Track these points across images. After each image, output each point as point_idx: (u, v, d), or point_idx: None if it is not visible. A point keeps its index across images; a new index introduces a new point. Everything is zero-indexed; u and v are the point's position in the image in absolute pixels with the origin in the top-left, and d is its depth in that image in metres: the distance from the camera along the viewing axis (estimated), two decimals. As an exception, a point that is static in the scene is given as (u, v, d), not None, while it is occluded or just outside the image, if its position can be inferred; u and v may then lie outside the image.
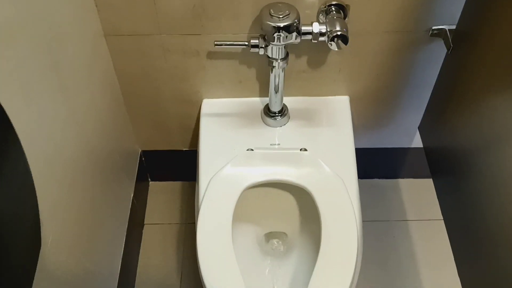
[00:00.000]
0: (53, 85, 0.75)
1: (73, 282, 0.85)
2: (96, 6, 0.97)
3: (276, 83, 1.05)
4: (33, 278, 0.45)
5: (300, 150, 1.08)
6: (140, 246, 1.35)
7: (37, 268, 0.67)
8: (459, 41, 0.97)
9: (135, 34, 1.03)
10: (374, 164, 1.43)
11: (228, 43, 0.99)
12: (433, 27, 1.02)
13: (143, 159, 1.38)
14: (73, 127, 0.85)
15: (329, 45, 0.94)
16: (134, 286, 1.28)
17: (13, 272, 0.39)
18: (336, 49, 0.94)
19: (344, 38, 0.93)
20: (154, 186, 1.48)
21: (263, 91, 1.17)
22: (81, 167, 0.90)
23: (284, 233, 1.18)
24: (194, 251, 0.94)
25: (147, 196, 1.45)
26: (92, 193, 0.97)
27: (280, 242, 1.17)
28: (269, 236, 1.17)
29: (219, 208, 0.99)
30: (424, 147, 1.20)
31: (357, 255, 0.94)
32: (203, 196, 1.00)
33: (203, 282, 0.91)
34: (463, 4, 0.95)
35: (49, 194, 0.73)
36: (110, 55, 1.07)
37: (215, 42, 0.99)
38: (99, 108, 1.02)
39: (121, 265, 1.16)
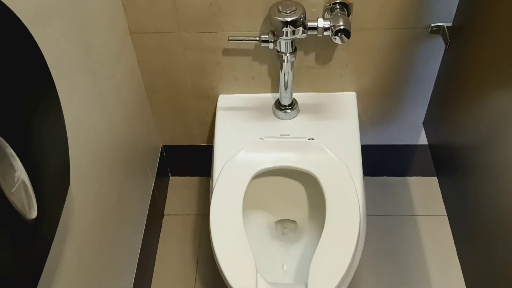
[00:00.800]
0: (83, 67, 0.85)
1: (93, 254, 0.93)
2: (123, 5, 1.08)
3: (286, 77, 1.14)
4: (61, 212, 0.54)
5: (308, 139, 1.15)
6: (159, 234, 1.44)
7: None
8: (456, 36, 1.04)
9: (158, 32, 1.13)
10: (383, 161, 1.49)
11: (240, 38, 1.08)
12: (432, 24, 1.10)
13: (164, 153, 1.48)
14: (101, 109, 0.95)
15: (333, 39, 1.02)
16: (153, 269, 1.37)
17: (44, 194, 0.48)
18: (340, 43, 1.03)
19: (346, 32, 1.01)
20: (174, 181, 1.57)
21: (275, 87, 1.26)
22: (107, 148, 1.00)
23: (294, 221, 1.24)
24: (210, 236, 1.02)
25: (167, 189, 1.54)
26: (117, 175, 1.07)
27: (290, 229, 1.24)
28: (280, 223, 1.24)
29: (232, 189, 1.07)
30: (429, 144, 1.26)
31: (358, 234, 1.00)
32: (217, 178, 1.09)
33: (215, 254, 0.98)
34: (457, 1, 1.02)
35: (79, 163, 0.83)
36: (135, 52, 1.18)
37: (229, 38, 1.08)
38: (125, 99, 1.12)
39: (141, 248, 1.25)
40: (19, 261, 0.43)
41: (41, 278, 0.70)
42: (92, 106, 0.91)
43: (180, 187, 1.56)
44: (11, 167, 0.42)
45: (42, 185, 0.47)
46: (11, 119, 0.43)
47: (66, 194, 0.55)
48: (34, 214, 0.45)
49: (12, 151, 0.42)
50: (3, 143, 0.41)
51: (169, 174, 1.58)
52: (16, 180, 0.42)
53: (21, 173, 0.42)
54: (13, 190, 0.41)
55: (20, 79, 0.46)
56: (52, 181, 0.49)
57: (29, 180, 0.44)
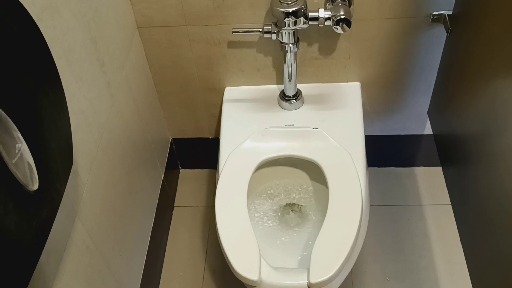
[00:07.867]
0: (91, 57, 0.89)
1: (103, 238, 0.97)
2: (130, 0, 1.12)
3: (290, 68, 1.16)
4: (64, 187, 0.57)
5: (312, 129, 1.17)
6: (170, 224, 1.48)
7: (74, 216, 0.79)
8: (456, 24, 1.05)
9: (164, 25, 1.17)
10: (389, 152, 1.50)
11: (244, 30, 1.11)
12: (433, 13, 1.11)
13: (173, 146, 1.51)
14: (110, 99, 0.99)
15: (335, 29, 1.04)
16: (163, 257, 1.41)
17: (46, 168, 0.51)
18: (342, 32, 1.05)
19: (347, 22, 1.03)
20: (185, 173, 1.61)
21: (280, 79, 1.28)
22: (117, 138, 1.04)
23: (299, 208, 1.27)
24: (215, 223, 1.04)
25: (177, 181, 1.58)
26: (127, 164, 1.10)
27: (295, 216, 1.26)
28: (284, 211, 1.27)
29: (237, 177, 1.10)
30: (433, 133, 1.27)
31: (360, 221, 1.02)
32: (223, 167, 1.12)
33: (220, 240, 1.01)
34: (457, -11, 1.03)
35: (88, 147, 0.87)
36: (143, 45, 1.21)
37: (233, 29, 1.11)
38: (134, 91, 1.16)
39: (151, 236, 1.28)
40: (23, 227, 0.46)
41: (50, 257, 0.74)
42: (101, 95, 0.95)
43: (190, 179, 1.59)
44: (13, 139, 0.45)
45: (44, 159, 0.50)
46: (13, 96, 0.46)
47: (70, 171, 0.59)
48: (35, 186, 0.49)
49: (13, 124, 0.45)
50: (4, 116, 0.44)
51: (180, 167, 1.61)
52: (17, 151, 0.45)
53: (22, 145, 0.46)
54: (14, 161, 0.45)
55: (23, 61, 0.49)
56: (54, 156, 0.53)
57: (30, 153, 0.47)
